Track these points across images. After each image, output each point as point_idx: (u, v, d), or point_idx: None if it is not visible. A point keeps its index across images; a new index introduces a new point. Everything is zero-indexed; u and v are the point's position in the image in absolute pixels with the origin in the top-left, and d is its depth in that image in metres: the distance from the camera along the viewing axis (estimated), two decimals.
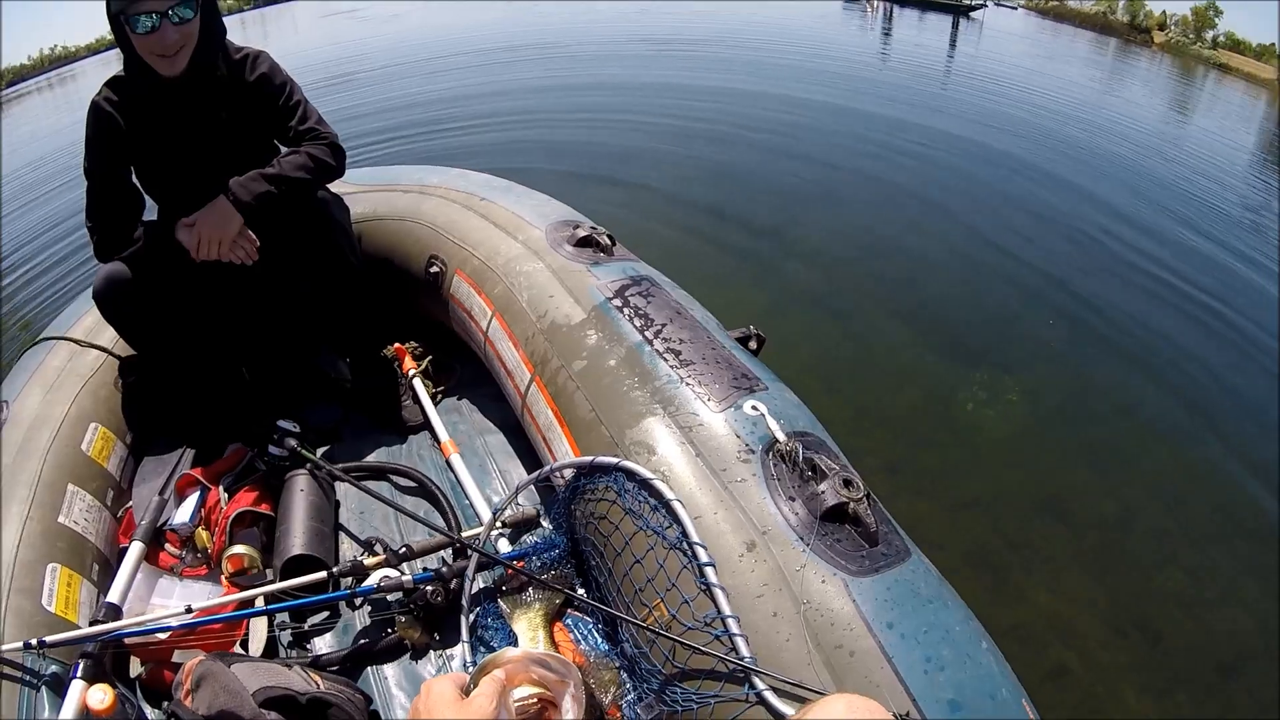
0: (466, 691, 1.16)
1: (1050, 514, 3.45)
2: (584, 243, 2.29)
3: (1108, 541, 3.32)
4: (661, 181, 7.34)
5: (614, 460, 1.65)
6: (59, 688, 1.60)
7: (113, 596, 1.80)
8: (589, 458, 1.71)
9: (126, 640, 1.74)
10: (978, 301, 5.42)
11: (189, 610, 1.71)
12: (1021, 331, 5.08)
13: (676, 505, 1.52)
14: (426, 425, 2.52)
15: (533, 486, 1.99)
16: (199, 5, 2.04)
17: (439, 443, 2.40)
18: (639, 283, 2.10)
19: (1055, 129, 10.89)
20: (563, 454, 1.85)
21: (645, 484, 1.58)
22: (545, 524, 2.06)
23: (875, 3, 34.70)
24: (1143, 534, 3.42)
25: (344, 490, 2.28)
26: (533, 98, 11.23)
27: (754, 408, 1.68)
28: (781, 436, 1.62)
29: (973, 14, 33.95)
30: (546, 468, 1.85)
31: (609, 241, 2.32)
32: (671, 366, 1.79)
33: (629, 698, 1.63)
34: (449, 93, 11.99)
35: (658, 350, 1.84)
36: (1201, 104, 18.97)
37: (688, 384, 1.74)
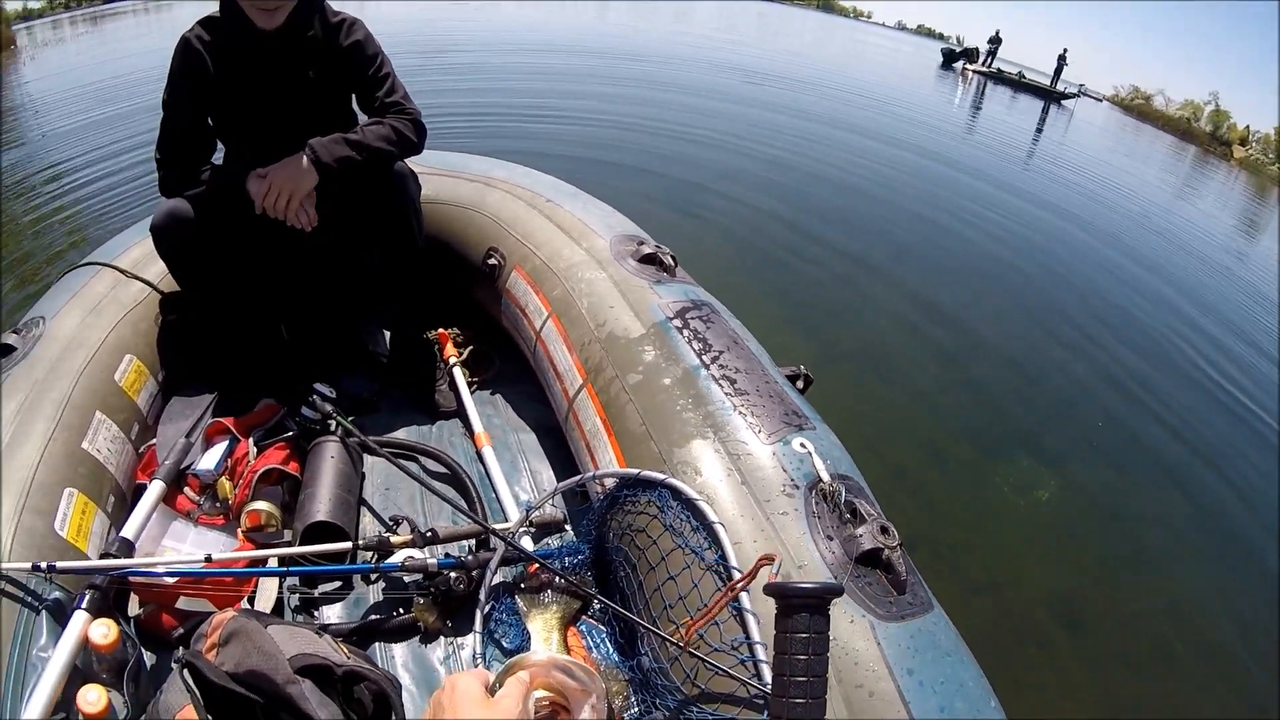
0: (490, 690, 1.19)
1: (1061, 615, 3.45)
2: (648, 259, 2.33)
3: (1115, 652, 3.32)
4: (729, 210, 7.42)
5: (661, 476, 1.68)
6: (60, 615, 1.59)
7: (127, 532, 1.81)
8: (635, 470, 1.74)
9: (133, 579, 1.75)
10: (1029, 388, 5.42)
11: (208, 559, 1.73)
12: (1067, 426, 5.08)
13: (719, 529, 1.55)
14: (459, 414, 2.55)
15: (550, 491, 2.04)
16: None
17: (472, 433, 2.42)
18: (699, 307, 2.14)
19: (1128, 229, 11.00)
20: (606, 463, 1.88)
21: (690, 504, 1.61)
22: (568, 529, 2.10)
23: (970, 75, 35.33)
24: (1151, 652, 3.41)
25: (371, 464, 2.30)
26: (620, 108, 11.35)
27: (802, 445, 1.72)
28: (826, 476, 1.66)
29: (1065, 102, 34.63)
30: (590, 473, 1.88)
31: (672, 262, 2.36)
32: (726, 394, 1.82)
33: (633, 711, 1.66)
34: (533, 87, 12.16)
35: (714, 376, 1.87)
36: (1273, 225, 19.02)
37: (740, 413, 1.78)
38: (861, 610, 1.46)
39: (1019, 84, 36.38)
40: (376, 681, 1.34)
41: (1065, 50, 35.98)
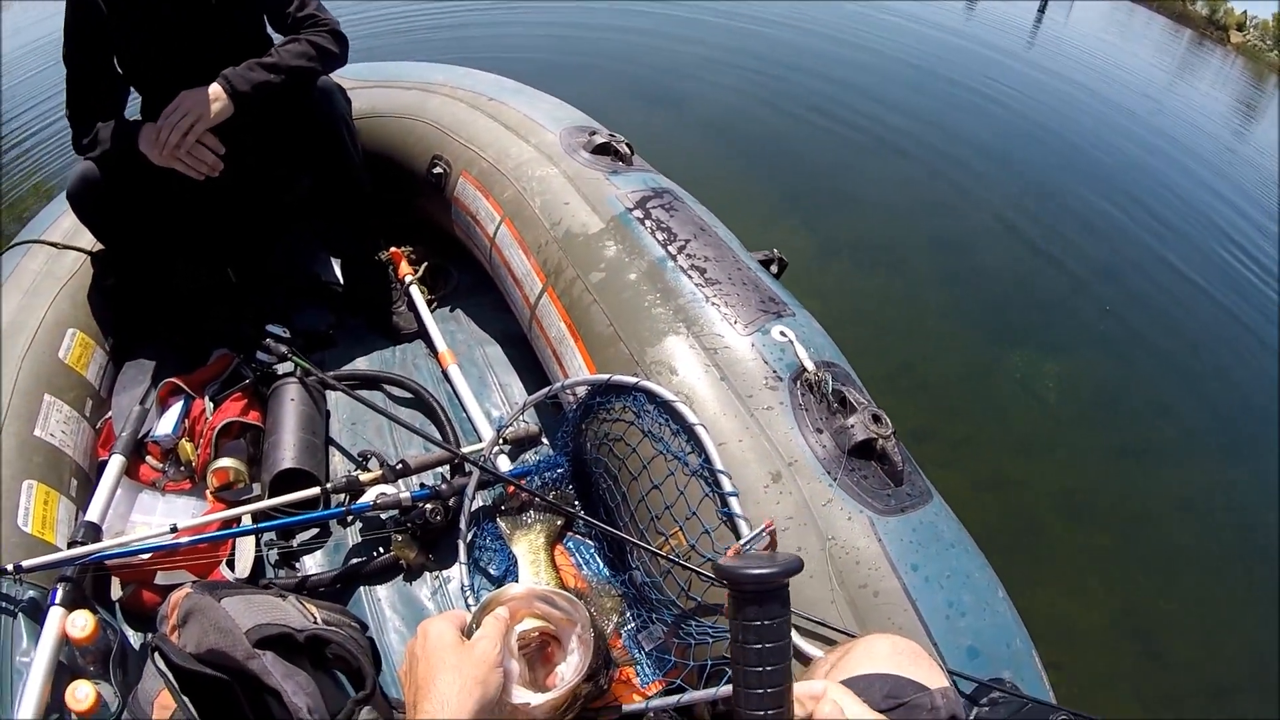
0: (468, 632, 1.14)
1: (1068, 508, 3.46)
2: (601, 150, 2.23)
3: (1120, 545, 3.33)
4: (702, 95, 7.24)
5: (634, 380, 1.62)
6: (37, 614, 1.56)
7: (92, 514, 1.76)
8: (606, 375, 1.67)
9: (107, 562, 1.71)
10: (1031, 278, 5.34)
11: (173, 530, 1.67)
12: (1069, 316, 5.02)
13: (700, 430, 1.49)
14: (421, 334, 2.49)
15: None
16: None
17: (435, 353, 2.37)
18: (660, 195, 2.04)
19: (1128, 112, 10.81)
20: (576, 369, 1.82)
21: (667, 406, 1.55)
22: (545, 442, 2.05)
23: None
24: (1157, 543, 3.43)
25: (335, 400, 2.25)
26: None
27: (782, 333, 1.65)
28: (810, 365, 1.60)
29: None
30: (559, 383, 1.81)
31: (628, 150, 2.25)
32: (696, 285, 1.75)
33: (630, 627, 1.63)
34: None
35: (681, 266, 1.79)
36: (1272, 108, 18.69)
37: (713, 303, 1.70)
38: (859, 506, 1.42)
39: None
40: (343, 644, 1.30)
41: None
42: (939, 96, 9.00)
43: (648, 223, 1.93)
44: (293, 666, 1.23)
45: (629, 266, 1.83)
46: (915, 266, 5.11)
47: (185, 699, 1.17)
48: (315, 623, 1.33)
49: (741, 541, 0.88)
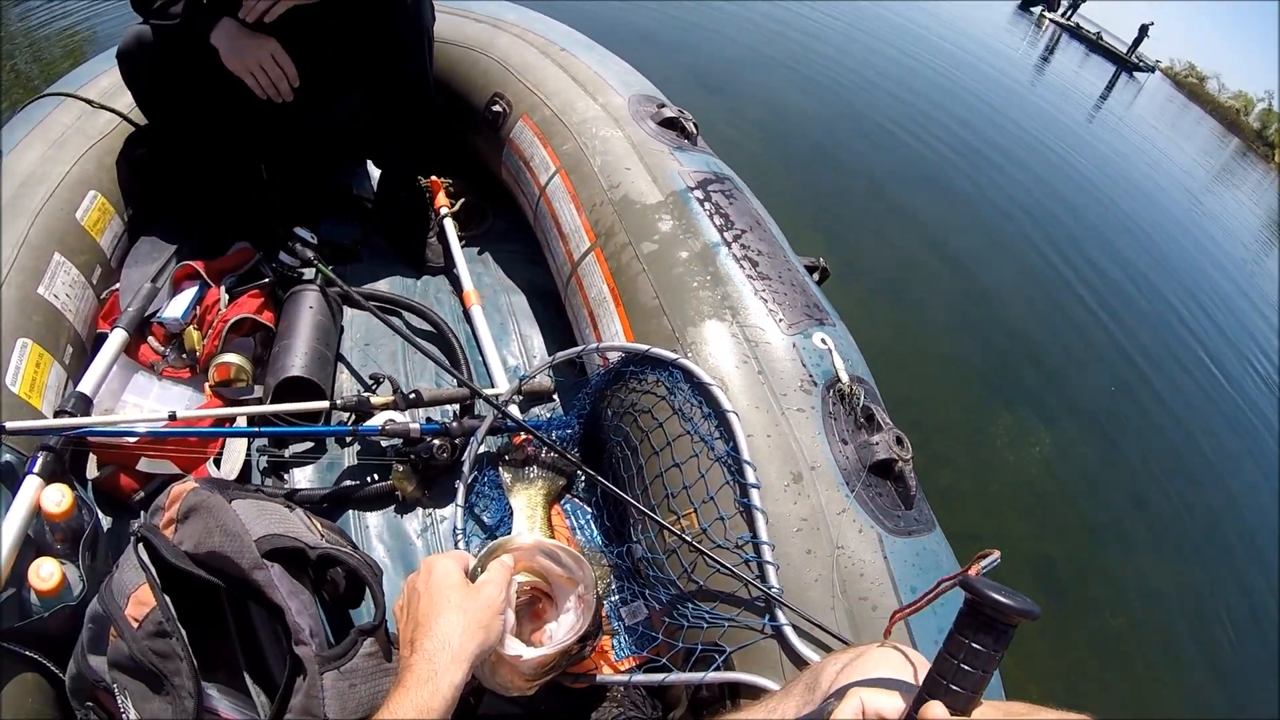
0: (471, 575, 1.15)
1: (1032, 574, 3.55)
2: (669, 123, 2.24)
3: (1076, 619, 3.43)
4: (760, 97, 7.32)
5: (673, 355, 1.63)
6: (10, 480, 1.51)
7: (84, 386, 1.74)
8: (645, 346, 1.68)
9: (90, 438, 1.67)
10: (1043, 340, 5.47)
11: (171, 416, 1.64)
12: (1073, 389, 5.14)
13: (733, 418, 1.51)
14: (447, 269, 2.50)
15: (548, 358, 1.99)
16: None
17: (460, 291, 2.37)
18: (721, 181, 2.05)
19: (1166, 206, 11.07)
20: (612, 334, 1.83)
21: (703, 388, 1.56)
22: (555, 400, 2.07)
23: (1047, 23, 35.10)
24: (1117, 629, 3.52)
25: (351, 317, 2.25)
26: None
27: (823, 340, 1.67)
28: (845, 377, 1.62)
29: (1137, 73, 34.74)
30: (594, 345, 1.82)
31: (694, 129, 2.27)
32: (747, 275, 1.76)
33: (614, 599, 1.64)
34: None
35: (734, 255, 1.81)
36: None
37: (761, 297, 1.72)
38: (871, 521, 1.45)
39: (1095, 44, 36.73)
40: (354, 567, 1.29)
41: (1150, 24, 35.82)
42: (995, 143, 9.12)
43: (706, 205, 1.94)
44: (298, 584, 1.23)
45: (683, 244, 1.84)
46: (933, 307, 5.18)
47: (166, 599, 1.16)
48: (324, 542, 1.32)
49: (984, 563, 0.89)
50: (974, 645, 0.76)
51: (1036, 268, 6.38)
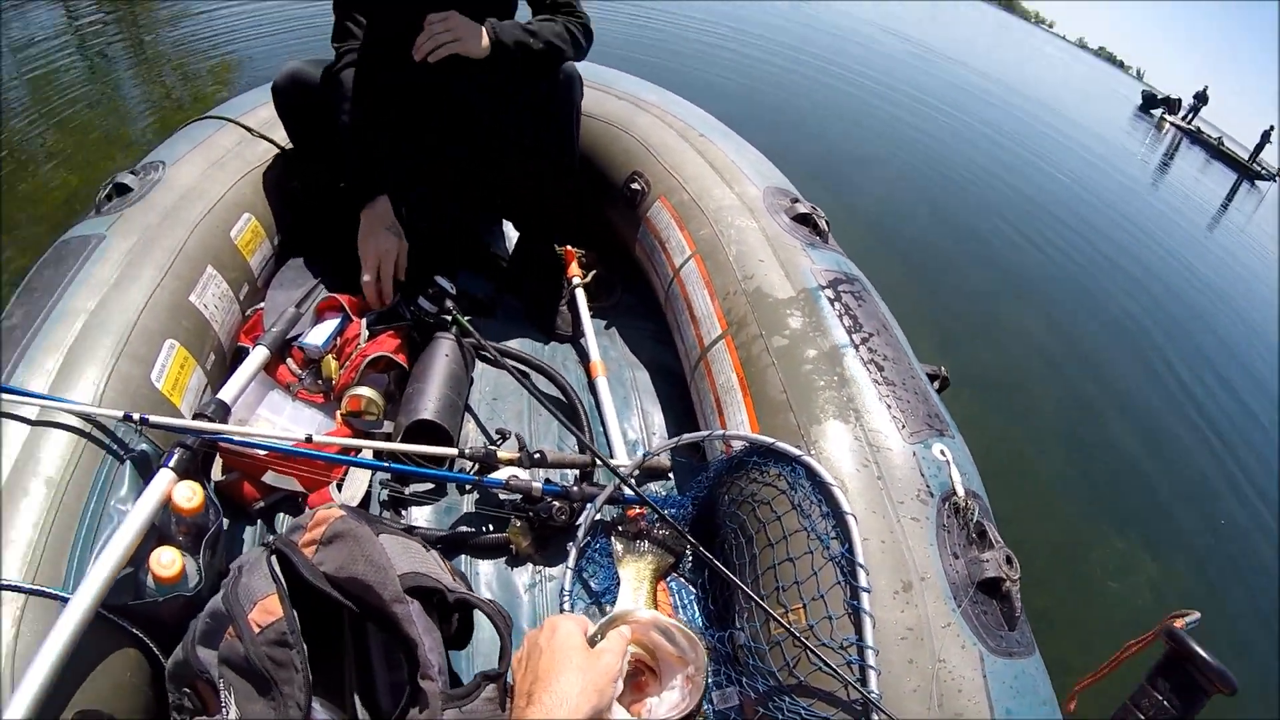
0: (590, 639, 1.22)
1: None
2: (801, 219, 2.31)
3: None
4: (880, 189, 7.42)
5: (797, 452, 1.68)
6: (144, 469, 1.62)
7: (225, 394, 1.83)
8: (770, 439, 1.74)
9: (222, 443, 1.78)
10: (1156, 466, 5.30)
11: (308, 439, 1.74)
12: (1182, 518, 4.96)
13: (851, 520, 1.55)
14: (574, 338, 2.58)
15: (667, 438, 2.07)
16: None
17: (587, 361, 2.44)
18: (852, 281, 2.12)
19: None
20: (737, 423, 1.89)
21: (824, 488, 1.62)
22: (670, 479, 2.12)
23: (1167, 126, 34.87)
24: None
25: (480, 371, 2.34)
26: (778, 59, 11.33)
27: (942, 452, 1.71)
28: (961, 490, 1.66)
29: (1259, 181, 33.84)
30: (720, 431, 1.88)
31: (826, 227, 2.34)
32: (873, 379, 1.82)
33: (709, 681, 1.68)
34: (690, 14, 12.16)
35: (861, 358, 1.87)
36: None
37: (885, 403, 1.77)
38: (974, 638, 1.47)
39: (1216, 150, 35.95)
40: (489, 615, 1.36)
41: (1272, 129, 35.33)
42: (1114, 248, 9.01)
43: (836, 305, 2.01)
44: (430, 622, 1.29)
45: (812, 342, 1.91)
46: (1043, 419, 5.11)
47: (294, 613, 1.23)
48: (463, 589, 1.39)
49: (1188, 620, 0.88)
50: (1164, 701, 0.74)
51: (1153, 384, 6.26)
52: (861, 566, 1.51)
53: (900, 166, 8.48)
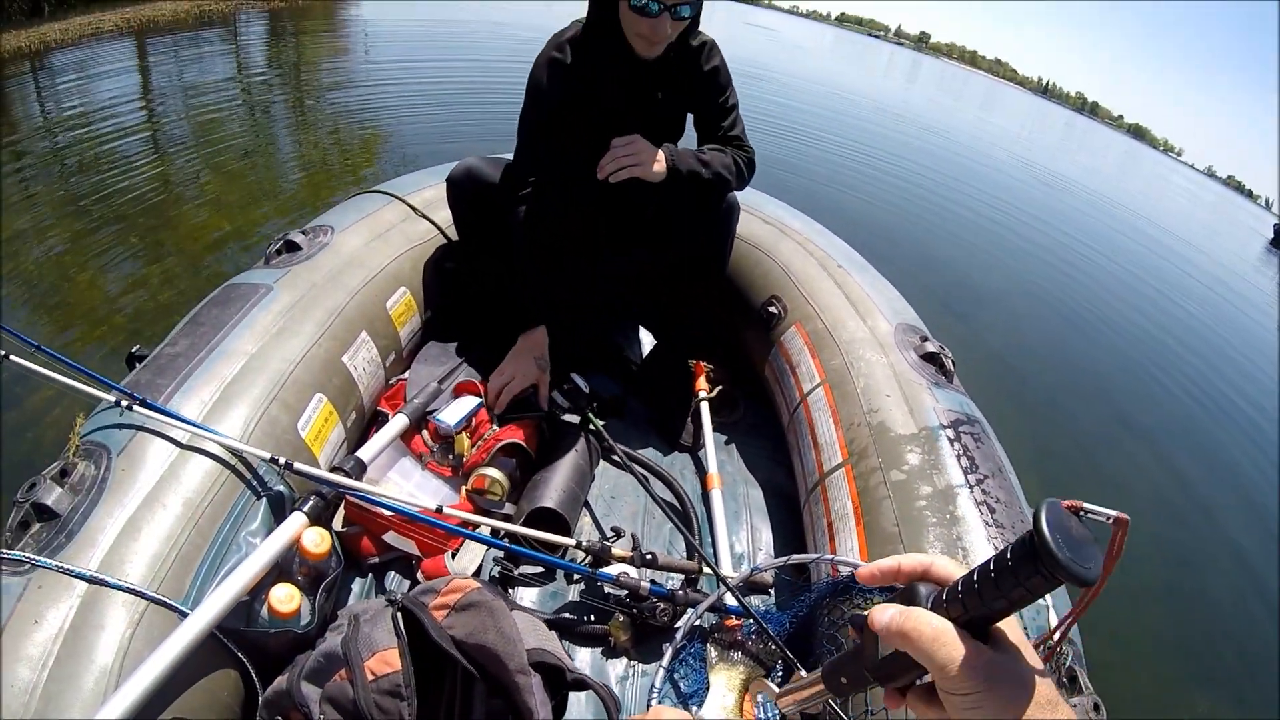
0: None
1: None
2: (929, 358, 2.38)
3: None
4: (1003, 325, 7.43)
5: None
6: (278, 508, 1.75)
7: (364, 453, 1.98)
8: None
9: (350, 497, 1.91)
10: (1251, 630, 5.12)
11: (439, 510, 1.85)
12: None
13: None
14: (693, 449, 2.66)
15: (774, 556, 2.13)
16: (699, 8, 2.25)
17: (704, 472, 2.51)
18: (972, 423, 2.17)
19: None
20: (848, 549, 1.94)
21: None
22: (770, 596, 2.17)
23: None
24: None
25: (603, 469, 2.45)
26: (909, 180, 11.54)
27: (1044, 597, 1.75)
28: (1056, 636, 1.69)
29: None
30: (829, 555, 1.95)
31: (952, 367, 2.41)
32: (984, 521, 1.85)
33: None
34: (824, 137, 12.48)
35: (975, 499, 1.91)
36: None
37: (993, 545, 1.80)
38: None
39: None
40: (603, 698, 1.43)
41: None
42: (1238, 393, 8.69)
43: (956, 445, 2.06)
44: (546, 696, 1.38)
45: (928, 479, 1.96)
46: (1142, 571, 4.96)
47: (412, 671, 1.33)
48: (581, 671, 1.48)
49: (1098, 510, 0.79)
50: (1011, 567, 0.64)
51: (1264, 543, 6.03)
52: None
53: (1027, 300, 8.42)
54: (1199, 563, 5.47)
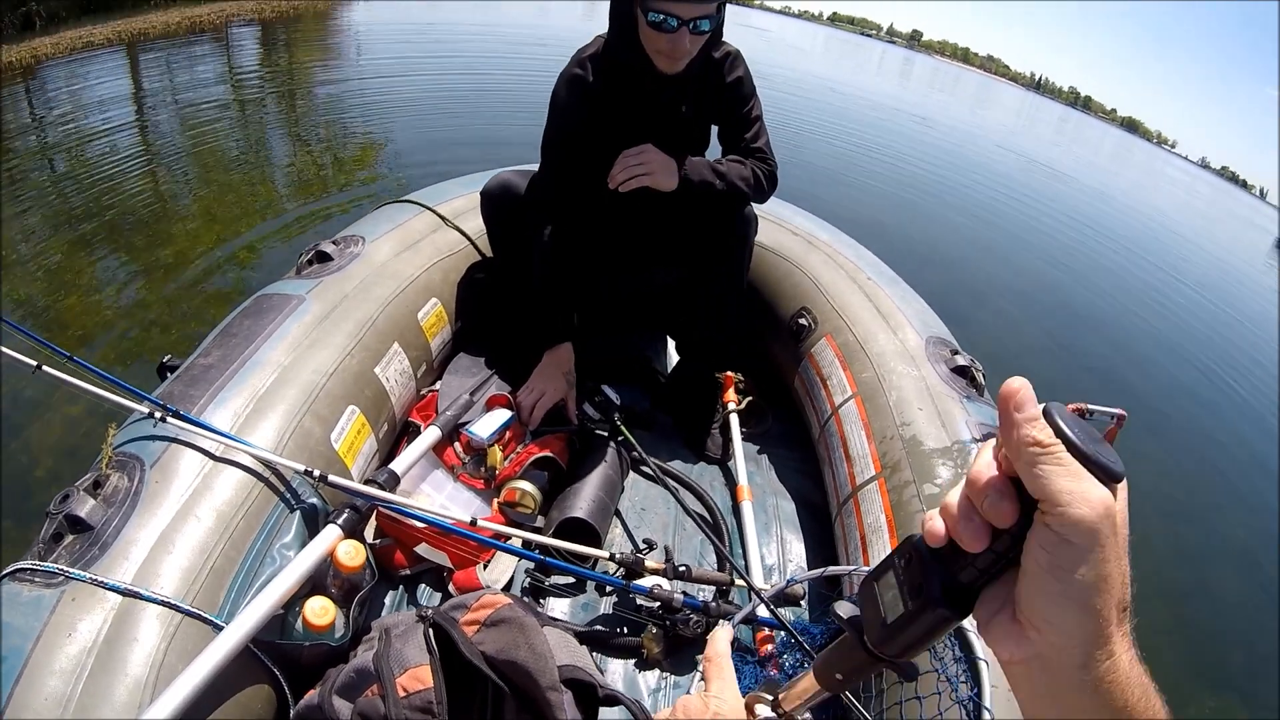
0: None
1: None
2: (960, 371, 2.37)
3: None
4: (1029, 331, 7.42)
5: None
6: (311, 521, 1.75)
7: (396, 466, 1.96)
8: None
9: (383, 508, 1.89)
10: (1262, 635, 5.06)
11: (473, 522, 1.86)
12: None
13: (983, 665, 1.57)
14: (722, 461, 2.65)
15: (806, 568, 2.13)
16: (719, 21, 2.24)
17: (734, 484, 2.50)
18: None
19: None
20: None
21: (960, 632, 1.64)
22: (803, 607, 2.15)
23: None
24: None
25: (633, 480, 2.44)
26: (928, 187, 11.58)
27: None
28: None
29: None
30: (864, 568, 1.89)
31: (982, 380, 2.38)
32: None
33: None
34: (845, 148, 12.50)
35: None
36: None
37: None
38: None
39: None
40: (634, 714, 1.42)
41: None
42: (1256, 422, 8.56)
43: None
44: (578, 713, 1.37)
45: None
46: (1142, 568, 4.90)
47: (444, 686, 1.33)
48: (612, 687, 1.46)
49: (1102, 409, 0.74)
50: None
51: (1260, 543, 5.92)
52: (988, 710, 1.52)
53: (1054, 310, 8.36)
54: (1206, 561, 5.41)
